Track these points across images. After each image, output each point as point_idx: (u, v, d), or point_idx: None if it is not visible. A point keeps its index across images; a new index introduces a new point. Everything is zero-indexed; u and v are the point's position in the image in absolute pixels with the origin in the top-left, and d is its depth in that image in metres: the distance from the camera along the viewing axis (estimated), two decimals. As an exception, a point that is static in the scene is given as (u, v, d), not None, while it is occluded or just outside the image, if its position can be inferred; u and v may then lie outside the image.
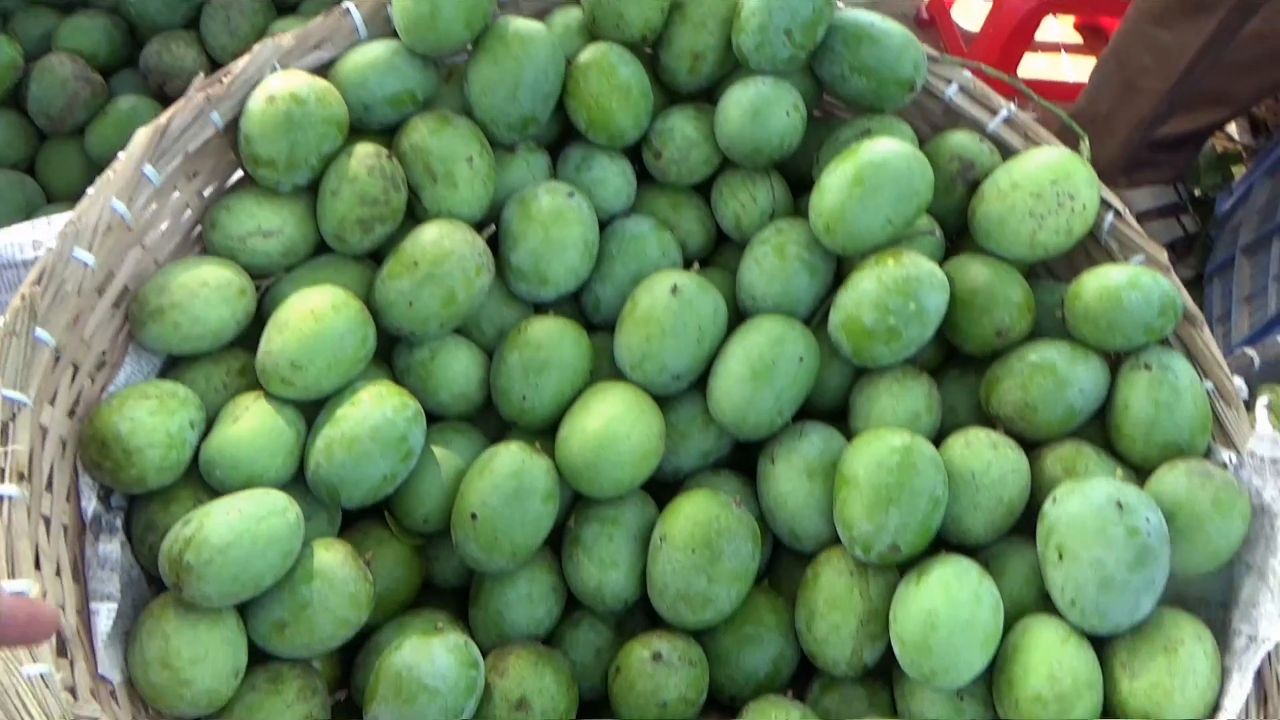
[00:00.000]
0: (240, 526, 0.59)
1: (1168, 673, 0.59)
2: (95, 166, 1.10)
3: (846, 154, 0.71)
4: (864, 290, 0.69)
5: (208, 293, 0.67)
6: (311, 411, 0.68)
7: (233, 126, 0.72)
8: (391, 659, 0.61)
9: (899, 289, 0.68)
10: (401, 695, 0.59)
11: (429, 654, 0.60)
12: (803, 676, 0.70)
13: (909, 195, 0.69)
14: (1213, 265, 1.36)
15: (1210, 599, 0.66)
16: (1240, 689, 0.59)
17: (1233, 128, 1.63)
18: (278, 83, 0.70)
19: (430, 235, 0.70)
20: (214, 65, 1.16)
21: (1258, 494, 0.65)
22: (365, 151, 0.71)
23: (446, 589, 0.73)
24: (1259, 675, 0.59)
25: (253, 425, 0.65)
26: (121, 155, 0.67)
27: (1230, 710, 0.58)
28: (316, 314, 0.67)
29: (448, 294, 0.69)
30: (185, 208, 0.72)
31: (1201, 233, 1.47)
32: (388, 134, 0.75)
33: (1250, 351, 0.96)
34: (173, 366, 0.71)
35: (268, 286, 0.72)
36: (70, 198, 1.09)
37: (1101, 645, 0.63)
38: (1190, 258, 1.46)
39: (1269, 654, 0.59)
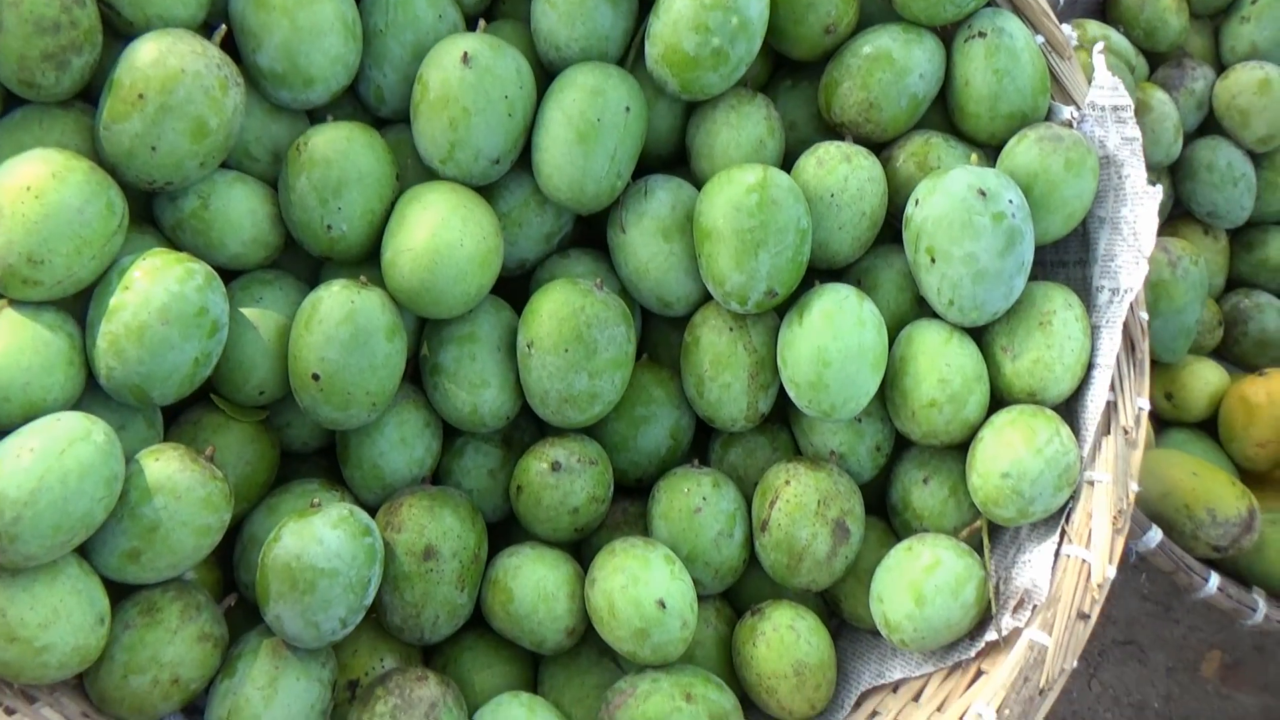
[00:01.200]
0: (39, 468, 0.50)
1: (1045, 345, 0.61)
2: None
3: None
4: (678, 12, 0.61)
5: (-123, 197, 0.52)
6: (79, 308, 0.57)
7: None
8: (275, 552, 0.55)
9: (716, 2, 0.60)
10: (299, 587, 0.54)
11: (314, 535, 0.55)
12: (702, 438, 0.69)
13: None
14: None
15: (1067, 259, 0.67)
16: (1111, 343, 0.61)
17: None
18: None
19: (148, 55, 0.56)
20: None
21: (1101, 145, 0.64)
22: (19, -39, 0.54)
23: (309, 452, 0.66)
24: (1125, 327, 0.61)
25: (8, 344, 0.53)
26: None
27: (1104, 366, 0.61)
28: (36, 190, 0.53)
29: (194, 124, 0.56)
30: None
31: None
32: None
33: (1055, -13, 0.93)
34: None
35: (-42, 167, 0.57)
36: None
37: (980, 334, 0.64)
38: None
39: (1131, 304, 0.61)
